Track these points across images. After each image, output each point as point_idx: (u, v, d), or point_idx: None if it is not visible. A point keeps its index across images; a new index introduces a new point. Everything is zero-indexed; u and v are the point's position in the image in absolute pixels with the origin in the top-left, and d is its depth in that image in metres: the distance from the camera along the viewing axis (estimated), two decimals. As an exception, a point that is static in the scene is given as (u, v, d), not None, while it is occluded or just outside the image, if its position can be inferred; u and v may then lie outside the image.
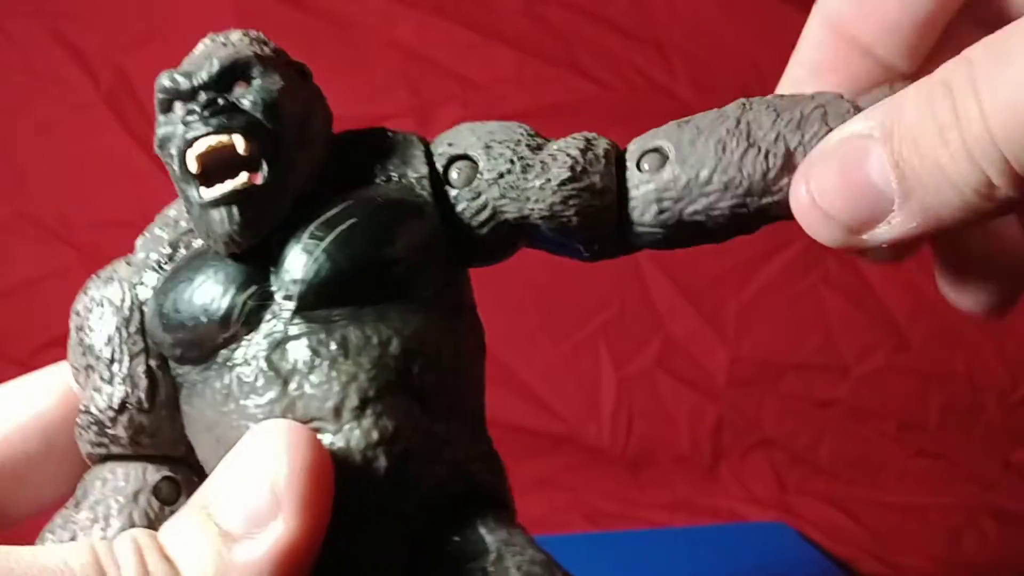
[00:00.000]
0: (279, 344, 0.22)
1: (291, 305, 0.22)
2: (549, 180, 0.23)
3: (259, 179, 0.22)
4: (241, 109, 0.22)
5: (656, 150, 0.24)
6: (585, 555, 0.59)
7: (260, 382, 0.22)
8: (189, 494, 0.24)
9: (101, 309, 0.25)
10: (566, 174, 0.23)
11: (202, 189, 0.22)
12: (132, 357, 0.24)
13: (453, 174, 0.24)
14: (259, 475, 0.19)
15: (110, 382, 0.24)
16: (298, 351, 0.22)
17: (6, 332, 0.67)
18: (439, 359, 0.23)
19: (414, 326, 0.23)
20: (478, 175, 0.24)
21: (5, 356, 0.66)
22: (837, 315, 0.76)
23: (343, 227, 0.22)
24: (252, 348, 0.22)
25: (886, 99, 0.20)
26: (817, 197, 0.20)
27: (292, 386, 0.22)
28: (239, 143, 0.22)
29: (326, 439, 0.21)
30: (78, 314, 0.25)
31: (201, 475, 0.24)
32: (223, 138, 0.22)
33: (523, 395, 0.72)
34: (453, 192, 0.24)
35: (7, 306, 0.67)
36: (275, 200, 0.22)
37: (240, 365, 0.22)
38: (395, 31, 0.72)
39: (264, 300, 0.23)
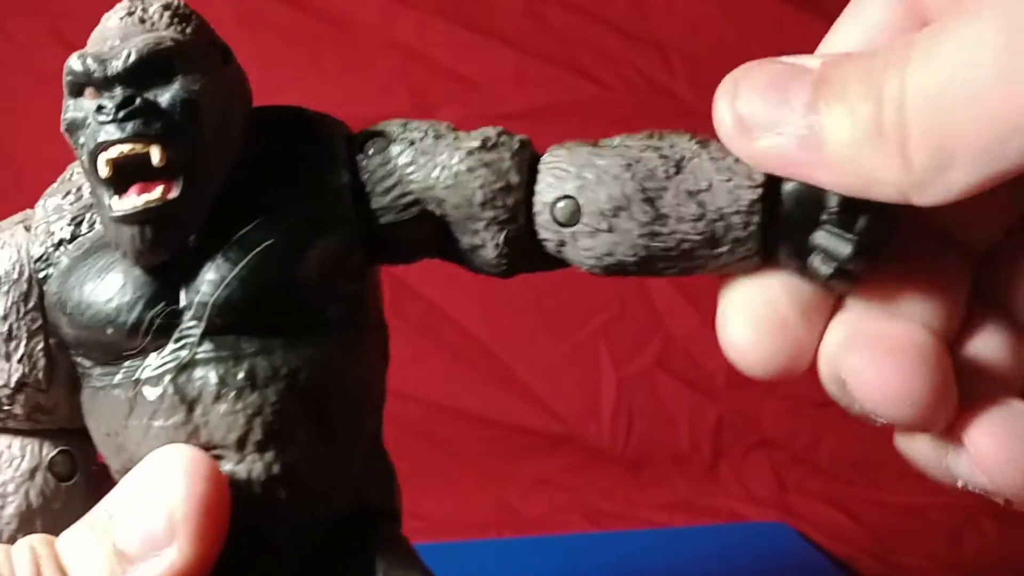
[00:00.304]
0: (186, 367, 0.22)
1: (200, 328, 0.22)
2: (459, 148, 0.23)
3: (174, 191, 0.21)
4: (159, 110, 0.21)
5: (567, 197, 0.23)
6: (585, 555, 0.59)
7: (165, 404, 0.22)
8: (85, 467, 0.25)
9: None
10: (476, 144, 0.23)
11: (113, 200, 0.21)
12: (30, 336, 0.23)
13: (369, 149, 0.24)
14: (158, 501, 0.20)
15: (7, 359, 0.24)
16: (205, 378, 0.22)
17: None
18: (345, 386, 0.23)
19: (323, 355, 0.22)
20: (391, 144, 0.23)
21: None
22: (837, 315, 0.76)
23: (258, 250, 0.22)
24: (158, 366, 0.22)
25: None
26: (738, 88, 0.20)
27: (197, 413, 0.22)
28: (155, 154, 0.21)
29: (227, 467, 0.21)
30: None
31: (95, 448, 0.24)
32: (138, 146, 0.21)
33: (523, 395, 0.72)
34: (363, 161, 0.23)
35: (7, 306, 0.67)
36: (190, 213, 0.22)
37: (145, 384, 0.22)
38: (395, 31, 0.72)
39: (173, 318, 0.22)
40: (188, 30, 0.22)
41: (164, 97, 0.21)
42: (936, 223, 0.22)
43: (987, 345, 0.22)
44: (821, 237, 0.20)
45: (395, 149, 0.23)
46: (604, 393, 0.74)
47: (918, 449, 0.21)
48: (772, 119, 0.20)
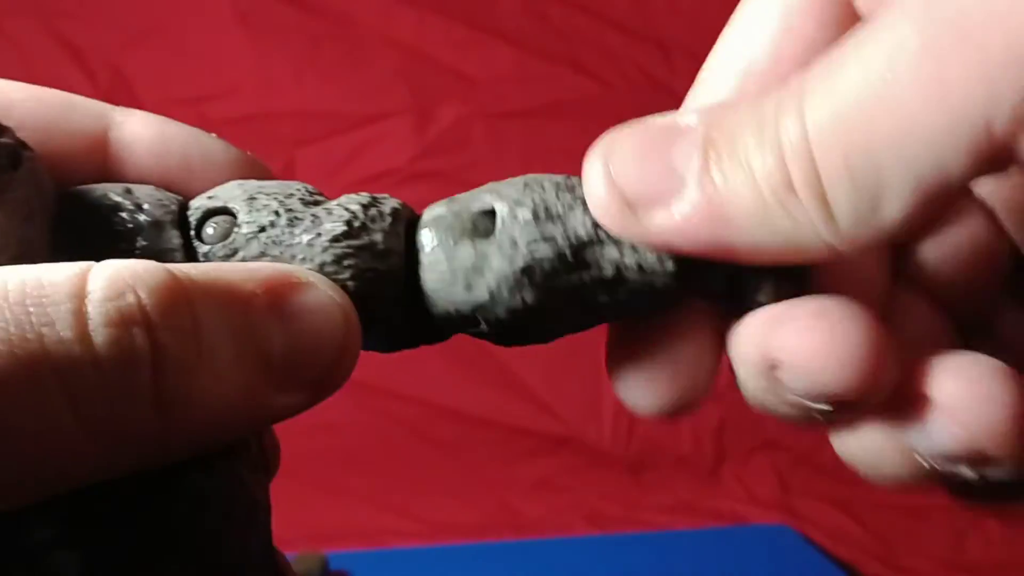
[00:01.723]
0: None
1: None
2: (320, 235, 0.19)
3: None
4: None
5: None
6: (586, 557, 0.59)
7: None
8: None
9: None
10: (340, 228, 0.19)
11: None
12: None
13: (208, 230, 0.20)
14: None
15: None
16: None
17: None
18: None
19: None
20: (235, 228, 0.19)
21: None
22: (840, 315, 0.75)
23: None
24: None
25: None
26: (611, 162, 0.18)
27: None
28: None
29: None
30: None
31: None
32: None
33: (523, 396, 0.72)
34: (204, 248, 0.19)
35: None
36: None
37: None
38: (395, 29, 0.72)
39: None
40: None
41: None
42: None
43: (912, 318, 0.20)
44: (752, 300, 0.19)
45: (240, 238, 0.19)
46: (605, 394, 0.73)
47: (868, 440, 0.19)
48: (658, 190, 0.17)
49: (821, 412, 0.18)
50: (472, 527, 0.63)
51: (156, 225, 0.20)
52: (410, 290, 0.20)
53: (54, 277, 0.14)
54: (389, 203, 0.20)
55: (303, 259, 0.19)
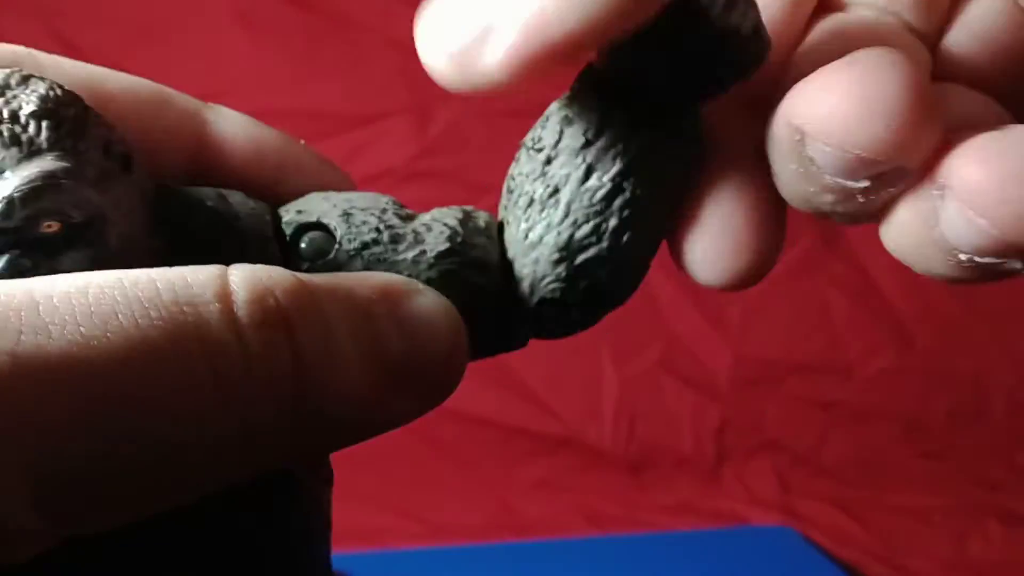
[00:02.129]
0: None
1: None
2: (425, 252, 0.19)
3: None
4: None
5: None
6: (586, 558, 0.59)
7: None
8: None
9: None
10: (444, 245, 0.19)
11: None
12: None
13: (303, 244, 0.19)
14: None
15: None
16: None
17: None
18: None
19: None
20: (335, 246, 0.19)
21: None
22: (842, 315, 0.75)
23: None
24: None
25: None
26: (423, 37, 0.16)
27: None
28: None
29: None
30: None
31: None
32: None
33: (523, 396, 0.72)
34: (304, 266, 0.19)
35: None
36: None
37: None
38: (394, 28, 0.72)
39: None
40: None
41: None
42: None
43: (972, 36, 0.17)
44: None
45: (342, 255, 0.19)
46: (606, 394, 0.73)
47: (908, 233, 0.16)
48: (476, 32, 0.15)
49: (861, 192, 0.16)
50: (472, 527, 0.63)
51: (254, 235, 0.19)
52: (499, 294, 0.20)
53: (197, 279, 0.14)
54: (482, 216, 0.20)
55: (409, 276, 0.19)
